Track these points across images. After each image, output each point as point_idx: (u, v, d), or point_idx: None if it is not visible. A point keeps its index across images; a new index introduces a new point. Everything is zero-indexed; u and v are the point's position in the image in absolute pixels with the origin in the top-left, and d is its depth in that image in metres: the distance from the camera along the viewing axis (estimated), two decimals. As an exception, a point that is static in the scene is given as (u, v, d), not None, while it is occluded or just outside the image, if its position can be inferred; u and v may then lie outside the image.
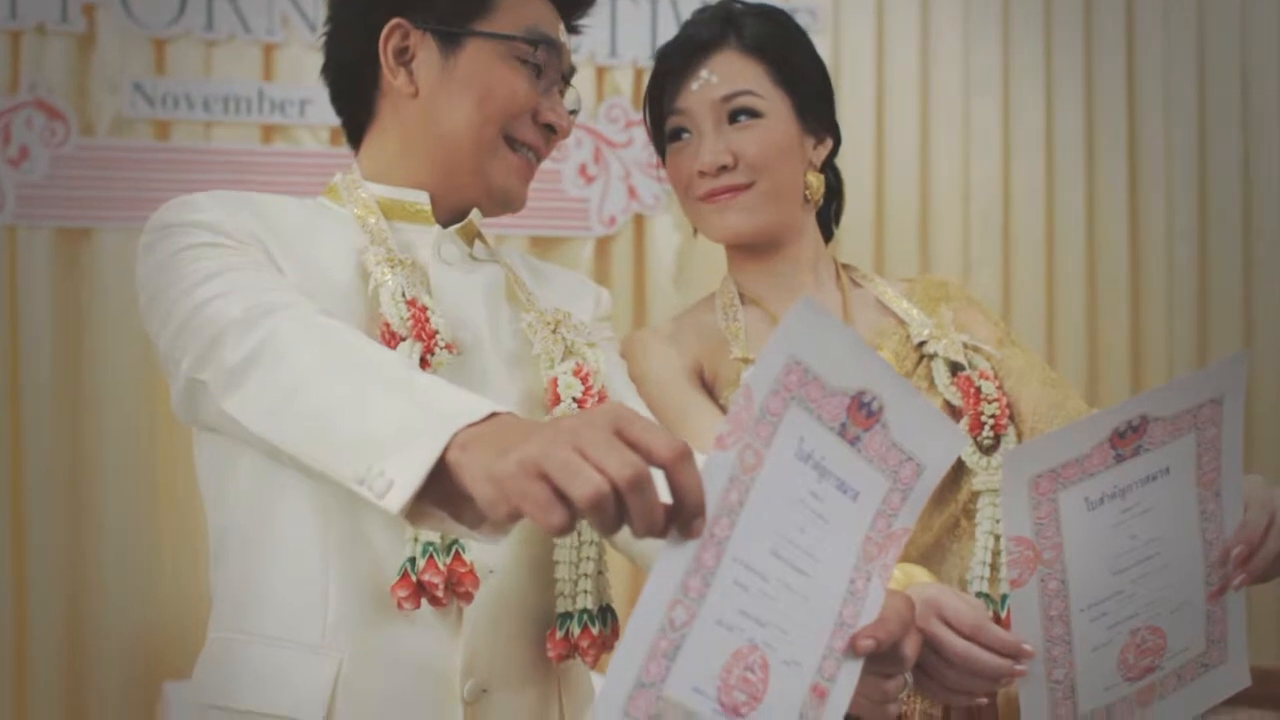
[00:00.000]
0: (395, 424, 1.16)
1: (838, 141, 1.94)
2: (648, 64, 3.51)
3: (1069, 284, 3.96)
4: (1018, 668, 1.40)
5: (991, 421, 1.80)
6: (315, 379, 1.26)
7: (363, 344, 1.29)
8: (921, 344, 1.85)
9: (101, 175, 3.21)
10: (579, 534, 1.52)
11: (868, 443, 1.17)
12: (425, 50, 1.60)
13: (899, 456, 1.20)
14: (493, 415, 1.11)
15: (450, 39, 1.59)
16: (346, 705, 1.46)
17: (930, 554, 1.82)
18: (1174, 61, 4.06)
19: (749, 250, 1.86)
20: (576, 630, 1.53)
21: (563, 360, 1.58)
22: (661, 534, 1.04)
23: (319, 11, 3.28)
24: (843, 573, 1.19)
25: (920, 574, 1.57)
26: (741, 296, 1.89)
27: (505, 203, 1.64)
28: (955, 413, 1.81)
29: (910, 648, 1.28)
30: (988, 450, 1.79)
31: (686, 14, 3.45)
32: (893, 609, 1.25)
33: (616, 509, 1.00)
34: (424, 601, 1.44)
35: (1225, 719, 2.86)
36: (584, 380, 1.57)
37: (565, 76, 1.67)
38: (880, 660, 1.25)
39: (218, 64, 3.31)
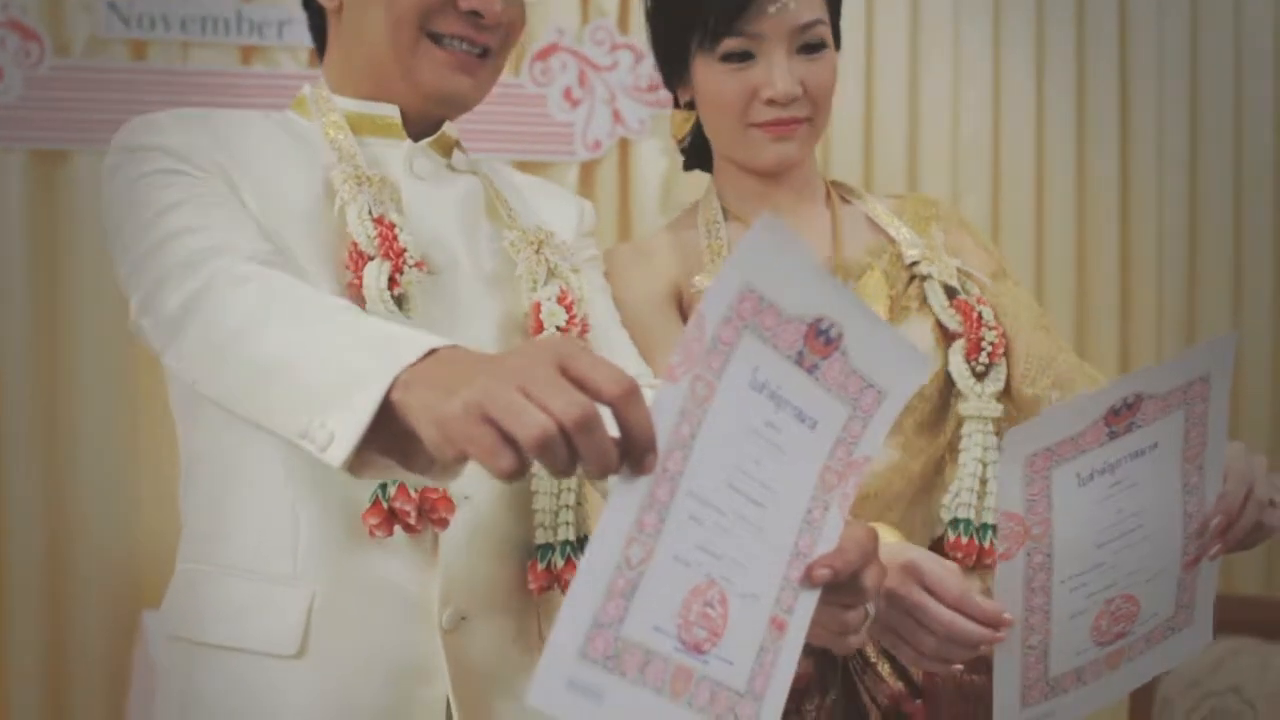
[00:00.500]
0: (333, 374, 1.14)
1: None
2: (632, -17, 3.50)
3: (1058, 212, 3.93)
4: (997, 635, 1.42)
5: (990, 348, 1.78)
6: (250, 331, 1.24)
7: (299, 291, 1.26)
8: (913, 264, 1.81)
9: (76, 97, 3.16)
10: None
11: (826, 371, 1.15)
12: None
13: (859, 384, 1.18)
14: (433, 351, 1.08)
15: None
16: (321, 637, 1.44)
17: (920, 483, 1.81)
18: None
19: (763, 173, 1.82)
20: (560, 562, 1.51)
21: (546, 283, 1.55)
22: (615, 471, 1.02)
23: (297, -72, 3.24)
24: (799, 503, 1.17)
25: (889, 534, 1.55)
26: (725, 211, 1.84)
27: (448, 102, 1.58)
28: (949, 336, 1.78)
29: (871, 579, 1.24)
30: (979, 376, 1.77)
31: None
32: (852, 539, 1.22)
33: (567, 450, 0.99)
34: (397, 529, 1.42)
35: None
36: (568, 308, 1.54)
37: None
38: (840, 591, 1.22)
39: (195, -17, 3.25)
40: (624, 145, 3.63)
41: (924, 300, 1.80)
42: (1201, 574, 1.52)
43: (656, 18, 1.84)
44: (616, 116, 3.56)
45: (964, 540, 1.76)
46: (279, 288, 1.27)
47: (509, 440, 0.99)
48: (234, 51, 3.28)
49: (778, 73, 1.74)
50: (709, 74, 1.78)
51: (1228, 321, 4.05)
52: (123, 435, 3.15)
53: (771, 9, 1.74)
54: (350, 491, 1.41)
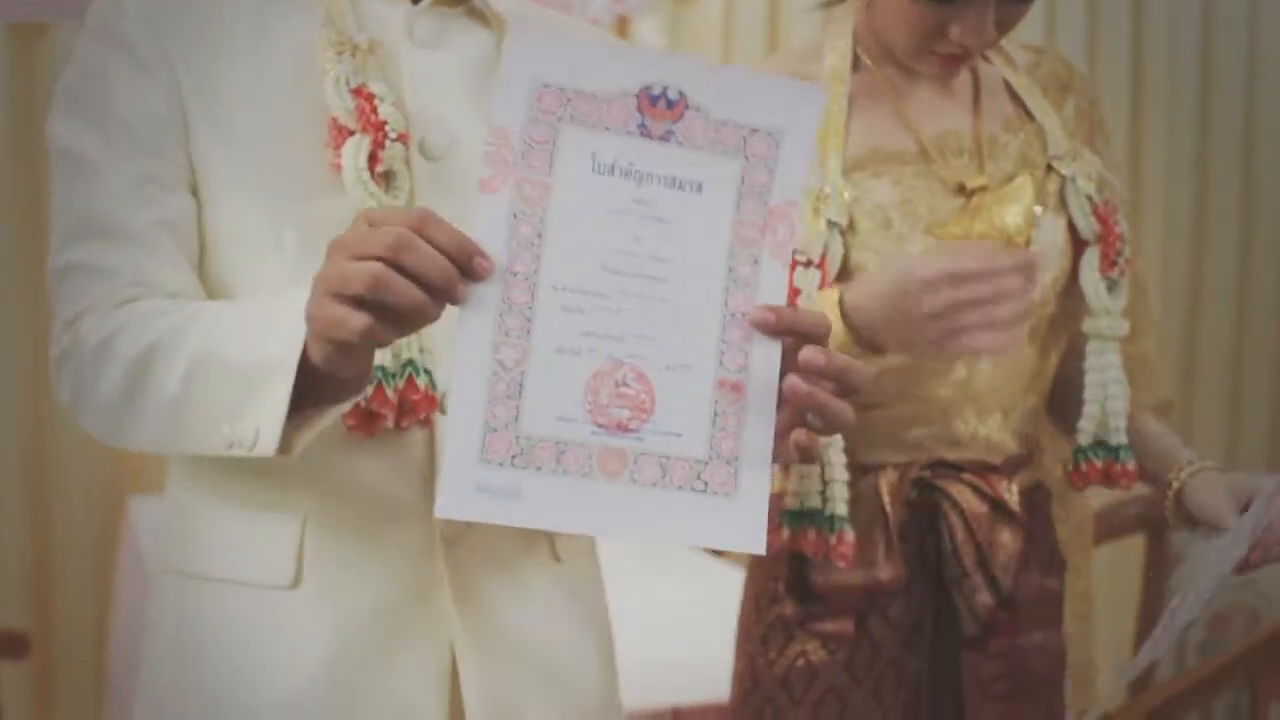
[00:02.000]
0: (234, 386, 1.21)
1: None
2: None
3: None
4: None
5: (1122, 264, 1.73)
6: (140, 378, 1.30)
7: (188, 316, 1.30)
8: (1056, 158, 1.74)
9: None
10: None
11: (684, 132, 1.17)
12: None
13: (737, 134, 1.19)
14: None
15: None
16: (316, 563, 1.38)
17: (1032, 389, 1.78)
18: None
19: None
20: None
21: None
22: (454, 280, 1.08)
23: None
24: (713, 264, 1.19)
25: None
26: (856, 61, 1.75)
27: None
28: (1078, 242, 1.72)
29: (830, 355, 1.18)
30: (1109, 291, 1.73)
31: None
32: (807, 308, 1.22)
33: (402, 280, 1.05)
34: (387, 439, 1.35)
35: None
36: None
37: None
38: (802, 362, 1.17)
39: None
40: (622, 22, 3.54)
41: (1062, 200, 1.73)
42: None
43: None
44: (617, -10, 3.51)
45: (1097, 464, 1.75)
46: (168, 322, 1.31)
47: (353, 301, 1.06)
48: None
49: (982, 25, 1.64)
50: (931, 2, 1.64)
51: (1230, 329, 4.07)
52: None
53: None
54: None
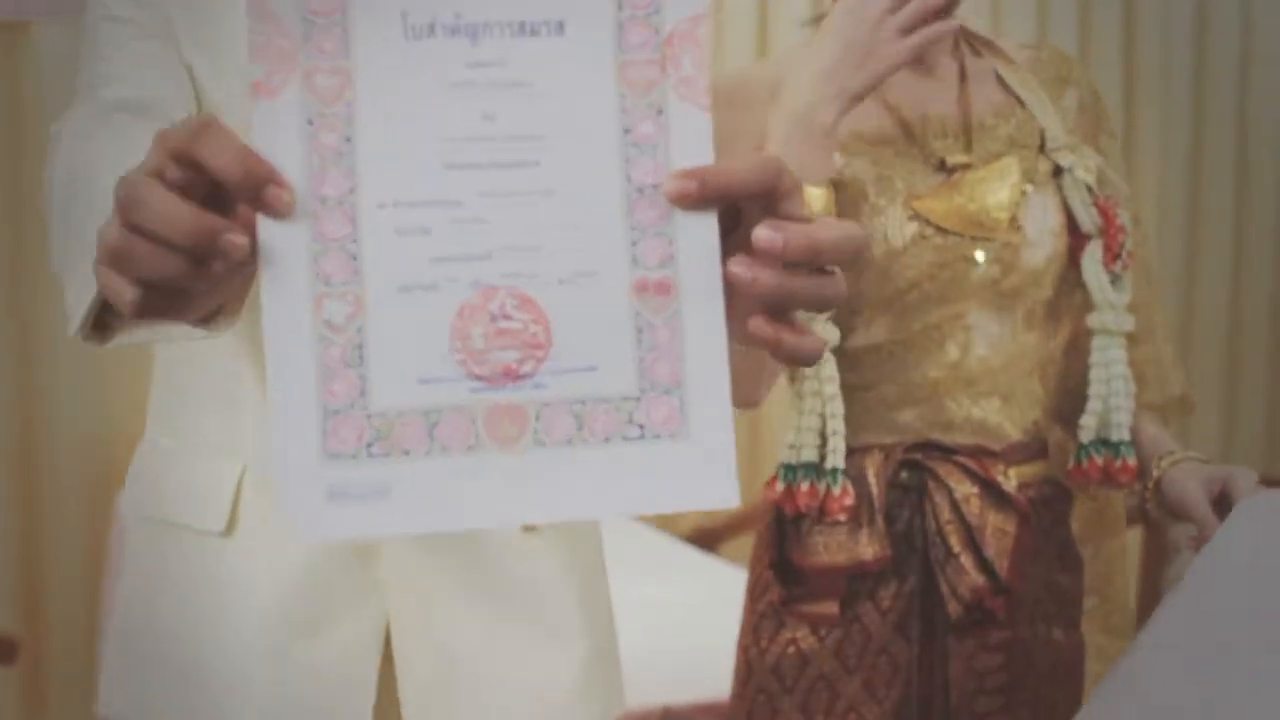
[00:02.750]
0: (77, 244, 1.04)
1: None
2: None
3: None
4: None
5: (1125, 258, 1.70)
6: (53, 186, 1.20)
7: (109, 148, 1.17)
8: (1053, 150, 1.71)
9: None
10: None
11: None
12: None
13: None
14: None
15: None
16: (249, 512, 1.37)
17: (1030, 376, 1.75)
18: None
19: None
20: None
21: None
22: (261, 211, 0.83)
23: None
24: (600, 128, 0.87)
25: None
26: None
27: None
28: (1078, 236, 1.70)
29: (795, 204, 0.86)
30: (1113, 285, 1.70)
31: None
32: (748, 160, 0.89)
33: (149, 252, 0.80)
34: None
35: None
36: None
37: None
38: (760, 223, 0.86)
39: None
40: None
41: (1052, 175, 1.70)
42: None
43: None
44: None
45: (1098, 462, 1.72)
46: (85, 138, 1.21)
47: (136, 280, 0.83)
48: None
49: None
50: None
51: (1225, 325, 4.05)
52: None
53: None
54: None
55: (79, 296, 1.01)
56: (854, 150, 1.66)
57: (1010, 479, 1.71)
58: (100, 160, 1.13)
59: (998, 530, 1.68)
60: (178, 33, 1.37)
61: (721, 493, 0.87)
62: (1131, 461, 1.72)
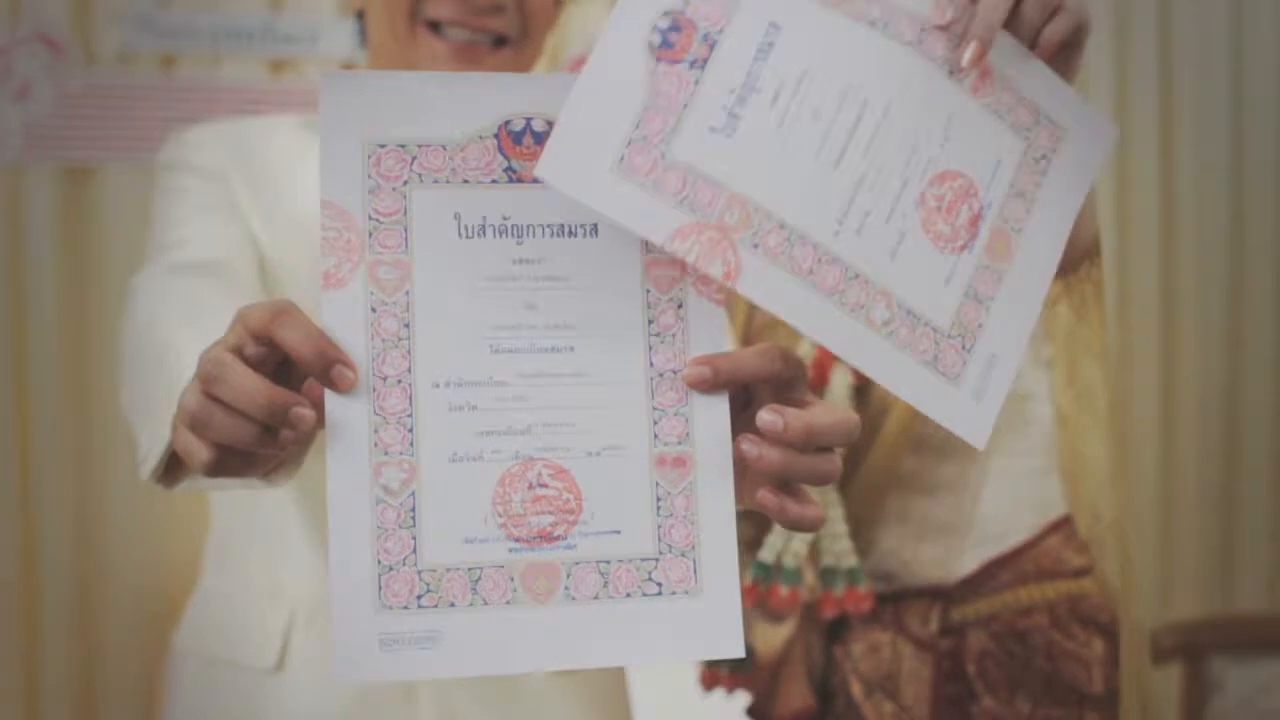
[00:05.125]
0: (149, 394, 1.13)
1: None
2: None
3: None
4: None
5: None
6: (124, 340, 1.29)
7: (173, 296, 1.28)
8: None
9: (106, 111, 3.12)
10: None
11: None
12: None
13: None
14: None
15: None
16: (298, 650, 1.43)
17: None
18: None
19: None
20: None
21: None
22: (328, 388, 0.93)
23: (328, -60, 3.21)
24: (627, 319, 0.99)
25: None
26: None
27: None
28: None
29: (799, 389, 0.99)
30: None
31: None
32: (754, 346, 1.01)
33: (226, 421, 0.91)
34: None
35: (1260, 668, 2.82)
36: None
37: None
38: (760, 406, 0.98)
39: (225, -5, 3.21)
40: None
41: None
42: (1018, 79, 1.05)
43: None
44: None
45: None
46: (159, 295, 1.30)
47: (212, 444, 0.93)
48: (263, 63, 3.24)
49: None
50: None
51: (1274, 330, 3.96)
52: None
53: None
54: None
55: (151, 444, 1.09)
56: None
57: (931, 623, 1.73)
58: (169, 316, 1.22)
59: (911, 675, 1.70)
60: (239, 200, 1.45)
61: (729, 644, 0.98)
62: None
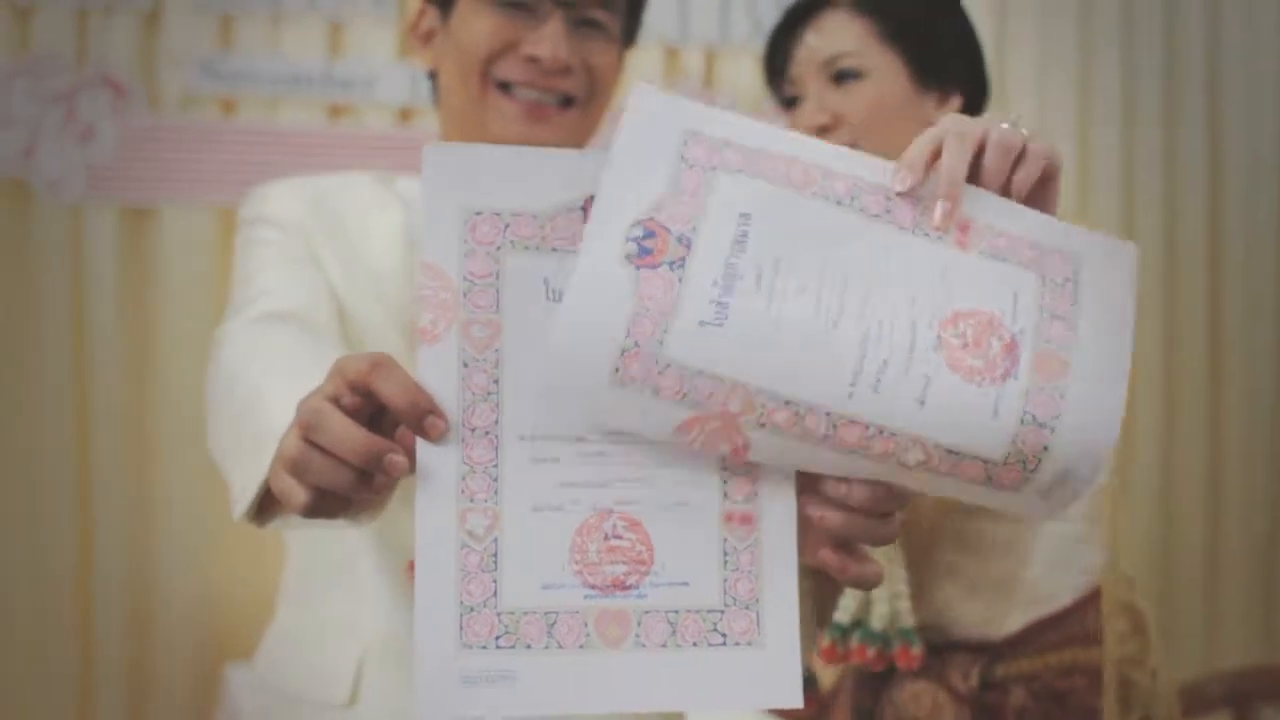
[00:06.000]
0: (250, 427, 1.17)
1: (982, 96, 1.85)
2: (718, 45, 3.47)
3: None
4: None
5: None
6: (212, 385, 1.32)
7: (259, 346, 1.32)
8: None
9: (168, 153, 3.18)
10: None
11: None
12: (437, 25, 1.59)
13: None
14: None
15: (444, 6, 1.57)
16: (370, 686, 1.46)
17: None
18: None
19: None
20: None
21: None
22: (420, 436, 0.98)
23: (386, -12, 3.26)
24: None
25: None
26: None
27: None
28: None
29: (853, 486, 1.02)
30: None
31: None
32: None
33: (325, 465, 0.95)
34: None
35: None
36: None
37: (567, 1, 1.55)
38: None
39: (285, 40, 3.27)
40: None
41: None
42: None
43: (764, 77, 1.92)
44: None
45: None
46: (246, 345, 1.33)
47: (310, 487, 0.98)
48: (322, 108, 3.30)
49: (806, 107, 1.78)
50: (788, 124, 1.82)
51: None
52: (209, 493, 3.14)
53: (800, 51, 1.80)
54: (409, 542, 1.44)
55: (243, 486, 1.13)
56: None
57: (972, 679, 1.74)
58: (257, 365, 1.27)
59: None
60: (318, 252, 1.50)
61: (789, 695, 1.02)
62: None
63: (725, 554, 1.03)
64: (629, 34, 1.65)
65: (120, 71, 3.15)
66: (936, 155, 1.03)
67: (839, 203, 1.02)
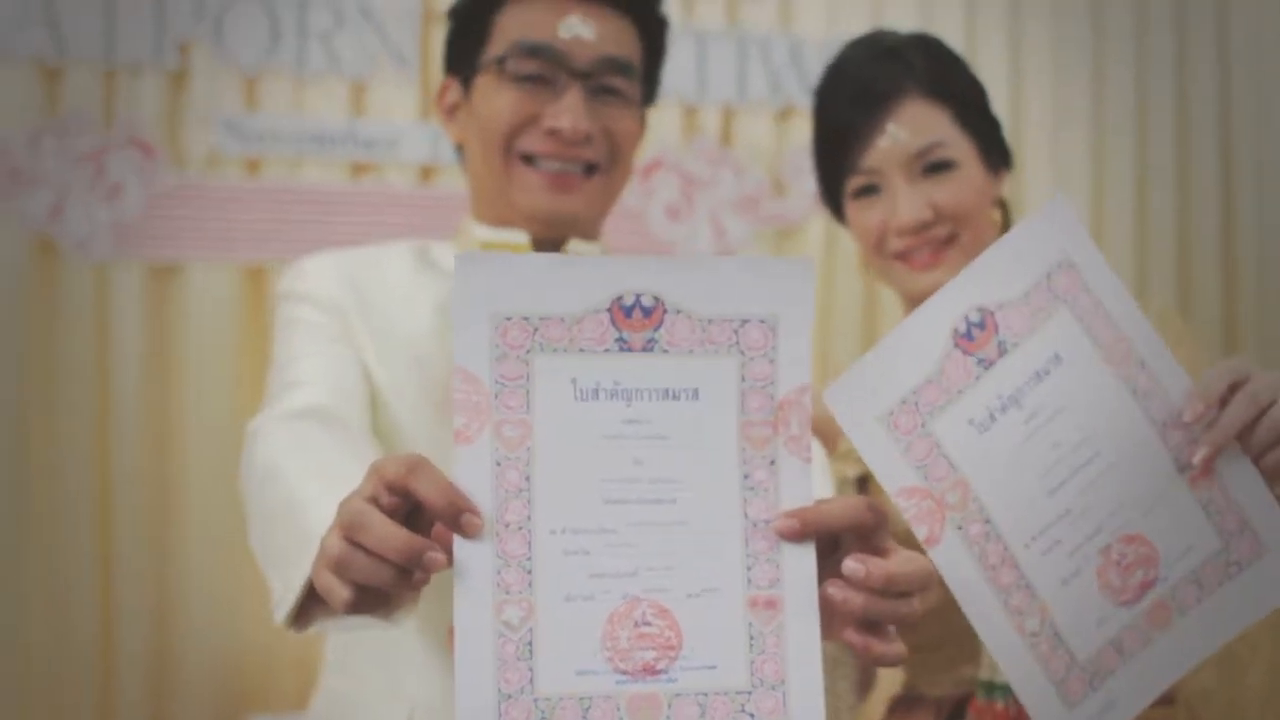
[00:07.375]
0: (281, 543, 1.22)
1: (1010, 166, 1.87)
2: (735, 103, 3.50)
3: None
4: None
5: None
6: (247, 484, 1.37)
7: (291, 463, 1.34)
8: None
9: (193, 212, 3.22)
10: None
11: (668, 339, 1.08)
12: (460, 99, 1.62)
13: (727, 328, 1.09)
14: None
15: (466, 82, 1.61)
16: None
17: None
18: None
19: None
20: None
21: None
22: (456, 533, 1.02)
23: (411, 48, 3.29)
24: (724, 475, 1.08)
25: None
26: None
27: (550, 222, 1.61)
28: None
29: (881, 537, 1.09)
30: None
31: (774, 56, 3.44)
32: (840, 497, 1.23)
33: (367, 564, 1.01)
34: None
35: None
36: None
37: (584, 72, 1.59)
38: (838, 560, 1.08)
39: (309, 100, 3.32)
40: (725, 260, 3.57)
41: None
42: (1239, 491, 1.23)
43: (815, 160, 1.88)
44: (719, 232, 3.54)
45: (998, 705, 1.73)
46: (282, 444, 1.37)
47: (352, 584, 1.02)
48: (344, 167, 3.34)
49: (901, 200, 1.74)
50: (854, 211, 1.80)
51: None
52: (231, 546, 3.15)
53: (882, 142, 1.75)
54: (448, 608, 1.46)
55: (285, 590, 1.18)
56: None
57: None
58: (293, 467, 1.32)
59: None
60: (353, 329, 1.52)
61: None
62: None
63: (751, 637, 1.07)
64: (648, 95, 1.68)
65: (148, 131, 3.19)
66: (1233, 391, 1.20)
67: (1134, 392, 1.20)
